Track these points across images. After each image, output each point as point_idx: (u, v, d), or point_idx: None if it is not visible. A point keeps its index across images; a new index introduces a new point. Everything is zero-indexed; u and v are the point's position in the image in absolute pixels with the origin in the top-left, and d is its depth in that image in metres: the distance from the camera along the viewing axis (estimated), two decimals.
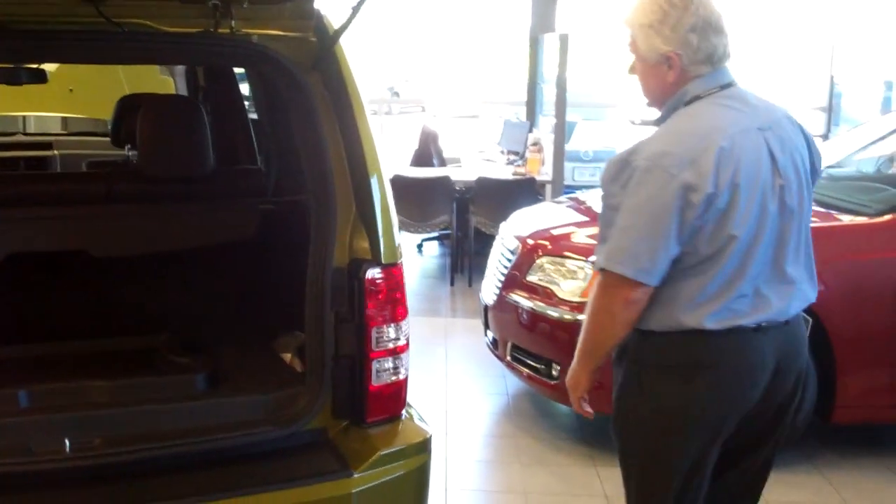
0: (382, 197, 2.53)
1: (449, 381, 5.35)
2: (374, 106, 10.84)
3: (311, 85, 2.50)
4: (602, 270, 2.27)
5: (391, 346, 2.56)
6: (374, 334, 2.50)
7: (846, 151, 5.51)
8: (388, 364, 2.56)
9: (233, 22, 2.49)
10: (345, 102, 2.51)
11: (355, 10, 2.38)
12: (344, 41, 2.57)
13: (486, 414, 4.94)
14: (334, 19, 2.56)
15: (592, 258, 4.30)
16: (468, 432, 4.65)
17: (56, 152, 5.23)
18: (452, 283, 7.59)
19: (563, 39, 7.74)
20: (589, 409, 2.53)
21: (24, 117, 6.49)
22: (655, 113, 2.44)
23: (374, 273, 2.49)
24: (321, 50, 2.53)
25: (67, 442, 2.26)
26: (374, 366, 2.52)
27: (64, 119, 6.30)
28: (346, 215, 2.50)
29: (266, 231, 3.13)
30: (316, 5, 2.56)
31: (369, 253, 2.51)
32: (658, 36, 2.27)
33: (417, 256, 8.73)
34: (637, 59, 2.36)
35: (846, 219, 4.36)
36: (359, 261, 2.49)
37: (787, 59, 12.83)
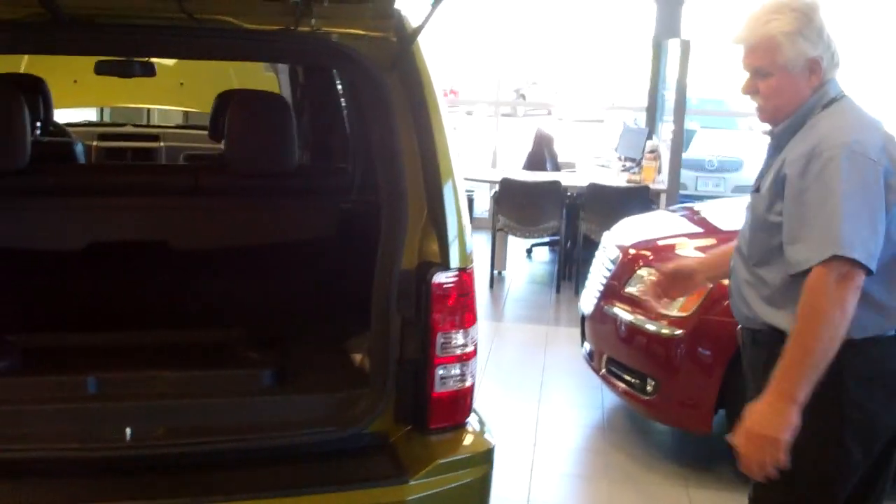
0: (455, 200, 2.48)
1: (543, 390, 5.26)
2: (493, 108, 10.80)
3: (390, 85, 2.47)
4: (823, 263, 2.14)
5: (458, 352, 2.50)
6: (439, 339, 2.45)
7: None
8: (455, 371, 2.50)
9: (313, 20, 2.48)
10: (421, 104, 2.48)
11: (433, 9, 2.34)
12: (430, 41, 2.54)
13: (578, 426, 4.83)
14: (413, 19, 2.53)
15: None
16: (558, 444, 4.55)
17: (162, 144, 5.40)
18: (558, 291, 7.47)
19: (685, 45, 7.52)
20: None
21: (148, 109, 6.75)
22: None
23: (442, 277, 2.44)
24: (400, 50, 2.50)
25: (129, 430, 2.30)
26: (439, 372, 2.46)
27: (185, 113, 6.51)
28: (418, 218, 2.47)
29: (347, 229, 3.13)
30: (396, 5, 2.54)
31: (439, 257, 2.46)
32: (807, 41, 2.28)
33: (526, 262, 8.64)
34: (773, 70, 2.31)
35: None
36: (428, 264, 2.45)
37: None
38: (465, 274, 2.49)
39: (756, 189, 2.44)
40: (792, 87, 2.31)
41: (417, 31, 2.47)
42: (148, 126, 6.04)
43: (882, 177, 2.18)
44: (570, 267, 7.68)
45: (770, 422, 2.17)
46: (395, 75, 2.50)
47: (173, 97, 5.66)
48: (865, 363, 2.24)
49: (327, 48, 2.52)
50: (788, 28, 2.26)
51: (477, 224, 9.42)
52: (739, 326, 2.59)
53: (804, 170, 2.20)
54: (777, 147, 2.40)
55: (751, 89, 2.37)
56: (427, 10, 2.38)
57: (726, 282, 2.67)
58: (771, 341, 2.33)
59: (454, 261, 2.47)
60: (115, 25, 2.36)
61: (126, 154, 5.27)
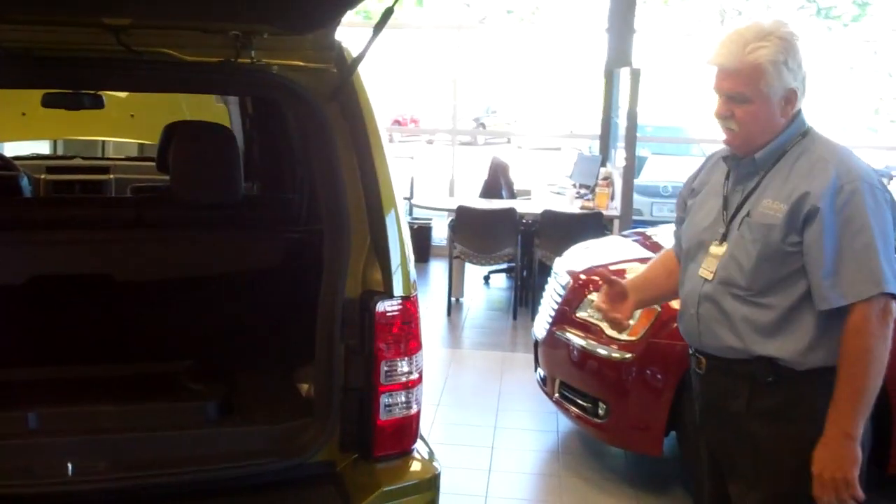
0: (398, 229, 2.51)
1: (499, 415, 5.27)
2: (456, 137, 10.86)
3: (330, 116, 2.49)
4: (864, 301, 2.17)
5: (403, 379, 2.52)
6: (383, 367, 2.46)
7: None
8: (400, 398, 2.52)
9: (253, 52, 2.51)
10: (362, 134, 2.50)
11: (371, 39, 2.38)
12: (364, 72, 2.57)
13: (532, 451, 4.84)
14: (354, 50, 2.56)
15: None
16: (512, 469, 4.57)
17: (112, 176, 5.37)
18: (515, 317, 7.51)
19: (635, 73, 7.63)
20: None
21: (103, 142, 6.70)
22: None
23: (385, 306, 2.46)
24: (341, 81, 2.53)
25: (70, 465, 2.27)
26: (384, 400, 2.48)
27: (140, 145, 6.48)
28: (361, 247, 2.48)
29: (293, 259, 3.13)
30: (337, 36, 2.57)
31: (382, 285, 2.48)
32: (790, 72, 2.27)
33: (484, 288, 8.67)
34: (755, 97, 2.27)
35: None
36: (371, 293, 2.46)
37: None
38: (408, 302, 2.51)
39: (745, 215, 2.33)
40: (769, 116, 2.29)
41: (357, 61, 2.50)
42: (97, 158, 5.99)
43: (890, 205, 2.25)
44: (526, 293, 7.72)
45: (837, 463, 2.20)
46: (335, 106, 2.52)
47: (124, 129, 5.63)
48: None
49: (267, 80, 2.54)
50: (776, 57, 2.23)
51: (435, 252, 9.51)
52: (694, 352, 2.51)
53: (832, 203, 2.20)
54: (752, 173, 2.35)
55: (725, 113, 2.31)
56: (367, 40, 2.42)
57: (676, 305, 2.65)
58: (759, 373, 2.30)
59: (398, 289, 2.49)
60: (52, 59, 2.36)
61: (74, 187, 5.23)
